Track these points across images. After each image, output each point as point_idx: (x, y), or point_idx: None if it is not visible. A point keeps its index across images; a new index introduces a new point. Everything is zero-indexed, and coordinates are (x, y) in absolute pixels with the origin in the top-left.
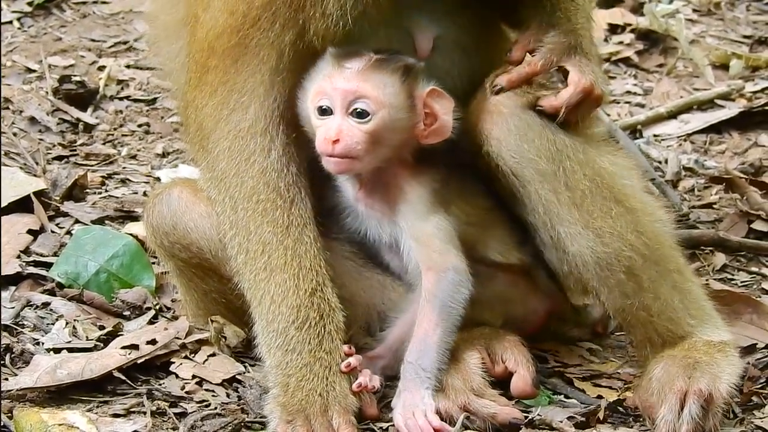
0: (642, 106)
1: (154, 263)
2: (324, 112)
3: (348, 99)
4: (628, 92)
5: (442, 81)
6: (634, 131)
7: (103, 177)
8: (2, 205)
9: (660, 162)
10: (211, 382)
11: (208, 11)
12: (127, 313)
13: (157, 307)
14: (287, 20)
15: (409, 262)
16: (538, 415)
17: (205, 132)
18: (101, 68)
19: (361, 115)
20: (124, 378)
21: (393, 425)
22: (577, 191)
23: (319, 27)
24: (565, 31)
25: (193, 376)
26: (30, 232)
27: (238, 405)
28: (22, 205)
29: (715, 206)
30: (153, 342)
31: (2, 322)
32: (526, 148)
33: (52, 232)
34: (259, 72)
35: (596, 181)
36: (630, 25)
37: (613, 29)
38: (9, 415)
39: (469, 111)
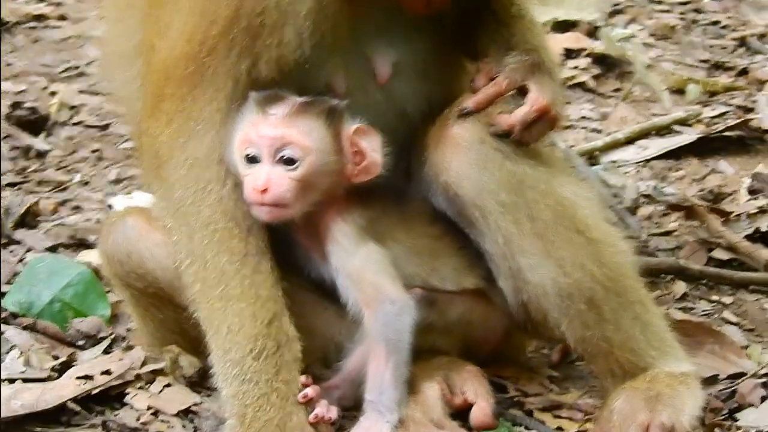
0: (599, 131)
1: (109, 292)
2: (251, 160)
3: (275, 146)
4: (584, 117)
5: (400, 106)
6: (591, 157)
7: (56, 204)
8: None
9: (618, 188)
10: (166, 413)
11: (164, 39)
12: (81, 342)
13: (112, 336)
14: (243, 48)
15: (347, 299)
16: None
17: (160, 160)
18: (53, 93)
19: (289, 162)
20: (78, 409)
21: None
22: (539, 221)
23: (276, 55)
24: (525, 51)
25: (149, 407)
26: None
27: None
28: None
29: (674, 234)
30: (108, 372)
31: None
32: (486, 180)
33: (4, 260)
34: (215, 100)
35: (558, 211)
36: (585, 49)
37: (569, 53)
38: None
39: (428, 137)
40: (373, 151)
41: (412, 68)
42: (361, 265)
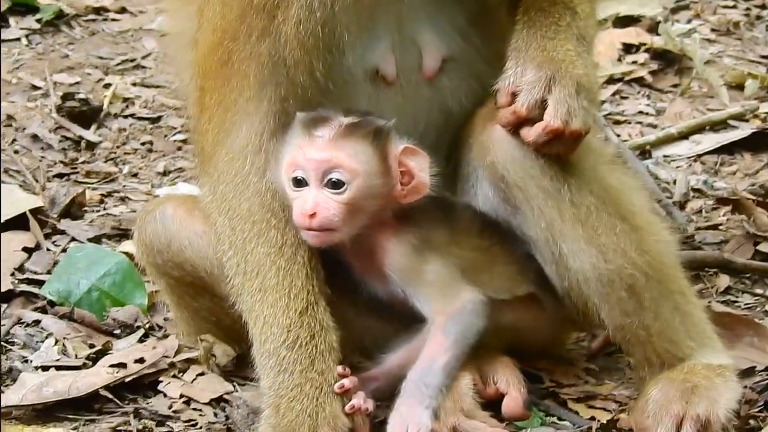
0: (654, 126)
1: (147, 282)
2: (299, 183)
3: (321, 170)
4: (641, 112)
5: (446, 103)
6: (644, 152)
7: (102, 195)
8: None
9: (668, 183)
10: (198, 402)
11: (200, 32)
12: (117, 331)
13: (148, 325)
14: (262, 31)
15: (422, 310)
16: None
17: (206, 156)
18: (107, 86)
19: (336, 185)
20: (111, 396)
21: None
22: (582, 207)
23: (290, 33)
24: (540, 64)
25: (181, 395)
26: (25, 249)
27: (225, 425)
28: (19, 223)
29: (721, 228)
30: (141, 360)
31: None
32: (530, 165)
33: (48, 250)
34: (246, 88)
35: (602, 198)
36: (644, 44)
37: (628, 49)
38: None
39: (475, 120)
40: (420, 171)
41: (463, 65)
42: (429, 279)
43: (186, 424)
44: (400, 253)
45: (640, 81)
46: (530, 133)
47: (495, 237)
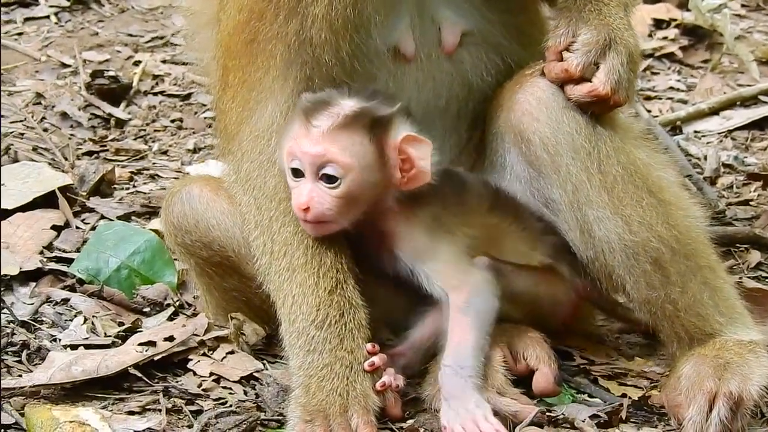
0: (684, 102)
1: (176, 259)
2: (297, 173)
3: (316, 164)
4: (671, 88)
5: (467, 77)
6: (675, 128)
7: (132, 173)
8: (27, 201)
9: (699, 159)
10: (228, 380)
11: (224, 12)
12: (147, 309)
13: (178, 303)
14: (290, 11)
15: (431, 290)
16: (561, 413)
17: (230, 134)
18: (137, 63)
19: (330, 179)
20: (140, 375)
21: (410, 425)
22: (609, 176)
23: (319, 14)
24: (598, 26)
25: (211, 374)
26: (54, 227)
27: (255, 403)
28: (48, 201)
29: (752, 203)
30: (170, 339)
31: (20, 319)
32: (564, 120)
33: (77, 228)
34: (273, 67)
35: (630, 170)
36: (675, 20)
37: (658, 24)
38: (21, 412)
39: (506, 86)
40: (421, 159)
41: (482, 39)
42: (444, 260)
43: (215, 402)
44: (410, 235)
45: (670, 56)
46: (575, 90)
47: (506, 213)
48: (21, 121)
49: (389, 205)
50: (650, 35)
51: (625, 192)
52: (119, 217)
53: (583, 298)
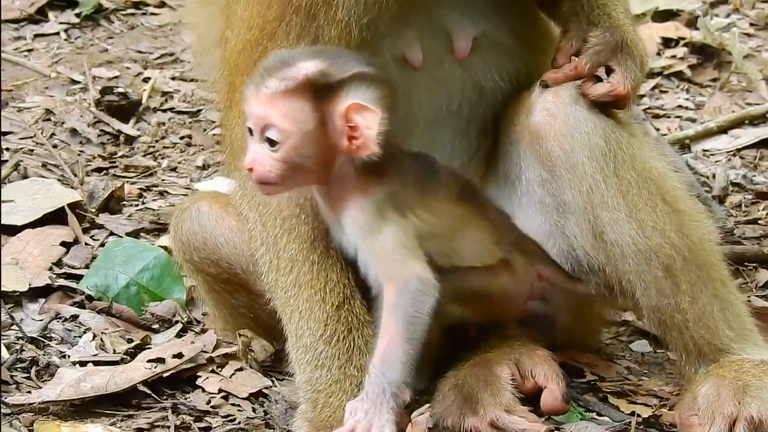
0: (693, 120)
1: (184, 276)
2: (251, 132)
3: (260, 125)
4: (680, 106)
5: (479, 82)
6: (683, 146)
7: (141, 189)
8: (36, 217)
9: (707, 177)
10: (237, 397)
11: (232, 29)
12: (156, 326)
13: (186, 320)
14: (301, 30)
15: (367, 274)
16: None
17: (236, 151)
18: (146, 80)
19: (272, 143)
20: (149, 392)
21: None
22: (624, 180)
23: (332, 34)
24: (608, 29)
25: (220, 390)
26: (63, 244)
27: (263, 420)
28: (58, 217)
29: (761, 222)
30: (179, 355)
31: (29, 335)
32: (582, 120)
33: (86, 244)
34: None
35: (645, 176)
36: (684, 39)
37: (667, 43)
38: (30, 428)
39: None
40: (367, 128)
41: (493, 44)
42: (386, 242)
43: (224, 419)
44: (359, 207)
45: (679, 75)
46: (594, 89)
47: (474, 206)
48: (30, 137)
49: (345, 171)
50: (659, 54)
51: (640, 197)
52: (128, 234)
53: (544, 282)
